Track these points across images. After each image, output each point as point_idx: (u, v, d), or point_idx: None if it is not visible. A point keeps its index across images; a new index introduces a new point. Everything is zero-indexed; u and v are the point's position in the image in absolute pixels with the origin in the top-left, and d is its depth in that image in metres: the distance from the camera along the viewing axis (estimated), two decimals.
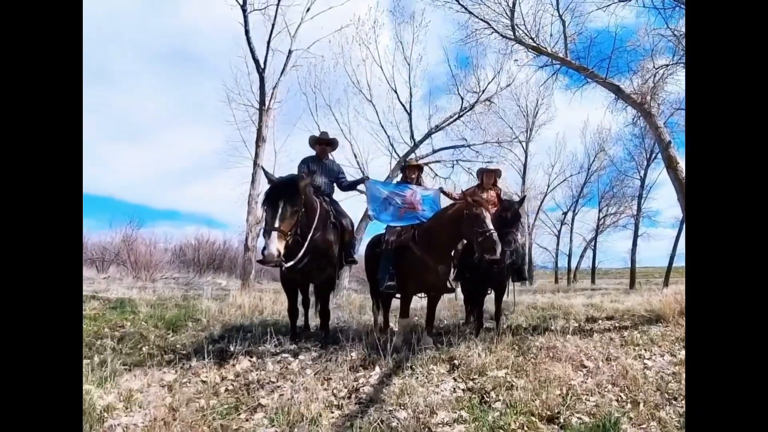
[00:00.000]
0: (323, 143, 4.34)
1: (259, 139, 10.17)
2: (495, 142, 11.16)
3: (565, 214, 20.36)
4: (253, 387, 2.70)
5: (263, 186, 10.46)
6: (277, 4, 8.99)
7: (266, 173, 3.42)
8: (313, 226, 3.54)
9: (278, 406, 2.36)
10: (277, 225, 3.00)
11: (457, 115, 10.80)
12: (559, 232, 20.57)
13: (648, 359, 3.34)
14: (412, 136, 11.42)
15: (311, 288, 4.36)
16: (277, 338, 3.82)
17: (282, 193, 3.13)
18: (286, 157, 12.12)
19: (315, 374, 2.90)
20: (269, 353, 3.46)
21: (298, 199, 3.20)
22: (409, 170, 4.71)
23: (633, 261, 18.69)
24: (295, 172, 3.92)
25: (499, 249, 3.23)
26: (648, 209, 19.25)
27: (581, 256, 21.38)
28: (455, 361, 3.09)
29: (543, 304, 7.20)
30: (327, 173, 4.33)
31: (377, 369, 2.96)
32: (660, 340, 3.86)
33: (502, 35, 6.97)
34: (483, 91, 10.41)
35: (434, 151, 11.65)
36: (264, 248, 2.96)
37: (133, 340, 3.92)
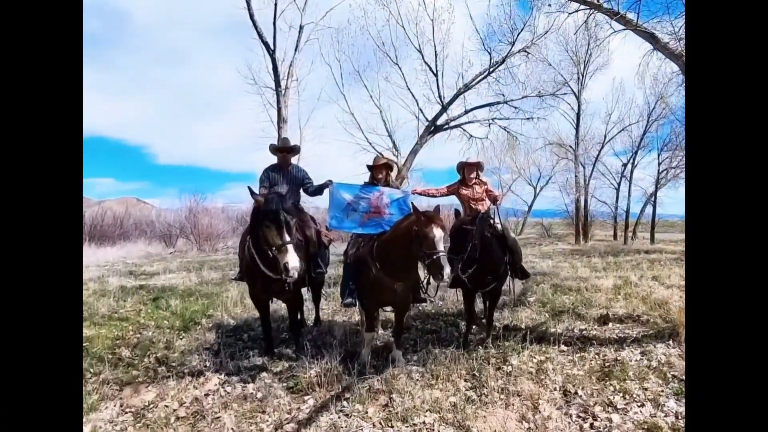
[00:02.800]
0: (284, 151, 4.31)
1: (280, 120, 10.35)
2: (535, 95, 10.08)
3: (624, 165, 18.13)
4: (197, 418, 3.00)
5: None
6: None
7: (252, 192, 3.45)
8: None
9: None
10: (288, 239, 3.13)
11: (487, 72, 9.86)
12: (619, 184, 18.50)
13: (617, 411, 2.85)
14: (440, 98, 10.78)
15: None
16: (255, 349, 4.18)
17: (279, 209, 3.20)
18: (312, 132, 12.28)
19: (252, 404, 3.13)
20: (242, 369, 3.78)
21: (293, 210, 3.39)
22: (376, 170, 4.30)
23: None
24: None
25: (445, 273, 3.01)
26: None
27: (641, 212, 19.17)
28: (392, 396, 3.09)
29: (569, 286, 6.77)
30: (291, 182, 4.34)
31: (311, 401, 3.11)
32: (655, 375, 3.29)
33: None
34: (513, 42, 9.27)
35: (467, 111, 10.95)
36: (285, 264, 3.04)
37: (143, 347, 4.51)
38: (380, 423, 2.74)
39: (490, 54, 9.63)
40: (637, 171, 18.14)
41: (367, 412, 2.87)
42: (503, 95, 10.27)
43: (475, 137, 11.38)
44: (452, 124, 11.12)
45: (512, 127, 10.52)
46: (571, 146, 16.68)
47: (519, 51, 9.33)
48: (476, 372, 3.39)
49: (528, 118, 10.25)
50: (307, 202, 5.64)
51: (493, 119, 10.50)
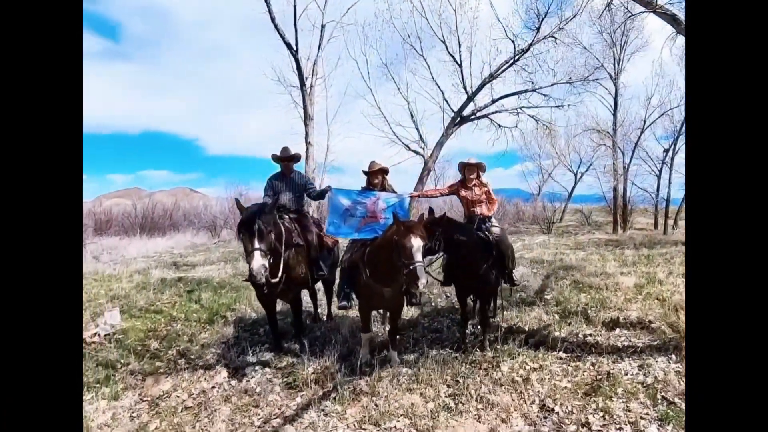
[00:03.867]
0: (285, 160, 4.53)
1: (306, 117, 10.64)
2: (566, 81, 9.59)
3: (666, 151, 16.72)
4: (201, 408, 3.34)
5: (316, 163, 11.17)
6: None
7: (238, 204, 3.69)
8: (283, 247, 3.90)
9: None
10: (257, 246, 3.34)
11: (512, 60, 9.51)
12: (660, 171, 17.11)
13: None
14: (464, 88, 10.57)
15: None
16: (267, 344, 4.52)
17: (254, 218, 3.42)
18: (340, 127, 12.49)
19: (250, 398, 3.43)
20: (247, 364, 4.11)
21: (270, 219, 3.54)
22: (372, 175, 4.36)
23: None
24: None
25: (421, 283, 3.07)
26: None
27: (683, 200, 17.61)
28: (374, 398, 3.25)
29: (591, 283, 6.55)
30: (293, 188, 4.57)
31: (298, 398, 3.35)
32: (645, 394, 3.12)
33: None
34: (538, 28, 8.86)
35: (494, 101, 10.66)
36: (250, 268, 3.31)
37: (169, 339, 4.99)
38: (354, 425, 2.91)
39: (513, 42, 9.28)
40: (678, 157, 16.78)
41: (345, 413, 3.05)
42: (532, 82, 9.87)
43: (503, 127, 11.08)
44: (479, 114, 10.89)
45: (542, 116, 10.12)
46: (608, 132, 15.70)
47: (545, 37, 8.90)
48: (459, 378, 3.46)
49: (558, 106, 9.81)
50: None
51: (521, 108, 10.16)
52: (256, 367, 4.03)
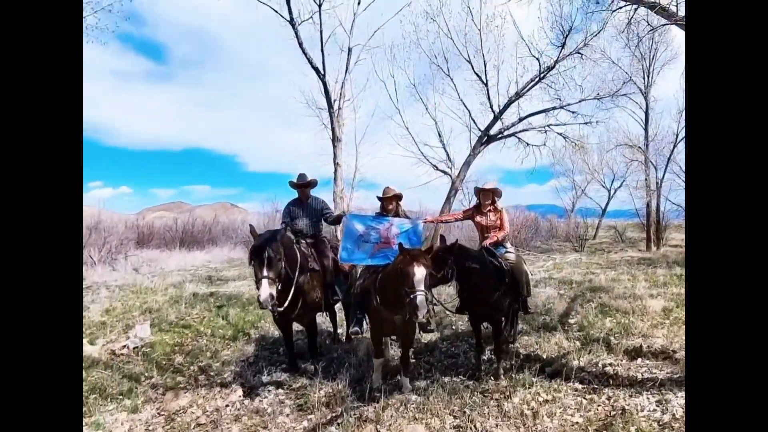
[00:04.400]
0: (301, 186, 4.65)
1: (335, 139, 10.88)
2: (594, 97, 9.33)
3: None
4: (213, 426, 3.43)
5: (344, 183, 11.36)
6: (319, 9, 9.15)
7: (252, 230, 3.85)
8: (296, 272, 3.99)
9: None
10: (265, 274, 3.44)
11: (538, 78, 9.38)
12: None
13: None
14: (491, 107, 10.50)
15: None
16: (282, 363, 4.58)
17: (264, 246, 3.52)
18: (368, 147, 12.69)
19: (260, 419, 3.49)
20: (262, 383, 4.18)
21: (279, 248, 3.63)
22: (386, 201, 4.39)
23: None
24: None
25: (420, 313, 3.07)
26: None
27: None
28: (378, 427, 3.21)
29: (618, 306, 6.22)
30: (310, 214, 4.67)
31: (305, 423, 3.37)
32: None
33: None
34: (562, 45, 8.70)
35: (521, 119, 10.51)
36: (258, 296, 3.42)
37: (193, 354, 5.16)
38: None
39: (538, 60, 9.14)
40: None
41: None
42: (560, 99, 9.66)
43: (531, 145, 10.87)
44: (506, 132, 10.76)
45: (570, 133, 9.85)
46: (640, 147, 15.02)
47: (571, 53, 8.72)
48: (467, 408, 3.37)
49: (586, 123, 9.51)
50: None
51: (549, 125, 9.94)
52: (270, 388, 4.09)
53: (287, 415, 3.59)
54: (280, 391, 4.03)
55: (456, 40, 10.32)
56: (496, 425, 3.16)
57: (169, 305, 7.42)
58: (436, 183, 12.54)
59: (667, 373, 3.76)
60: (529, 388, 3.72)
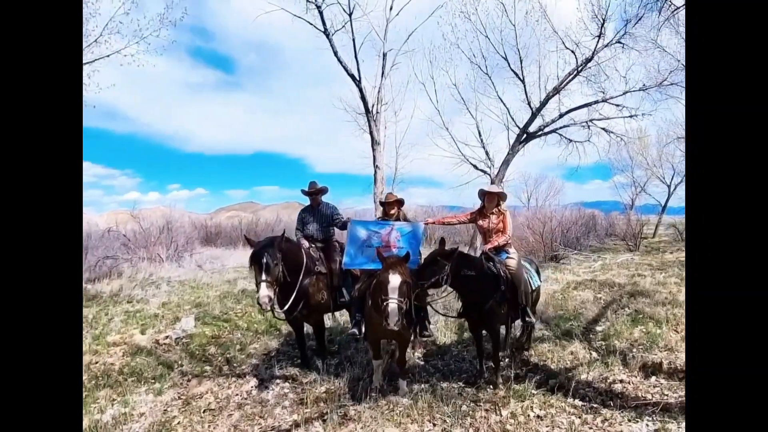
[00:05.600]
0: (313, 193, 4.81)
1: (373, 143, 11.05)
2: (639, 89, 8.44)
3: None
4: (219, 412, 3.72)
5: (384, 186, 11.49)
6: (350, 18, 9.30)
7: (248, 239, 4.11)
8: (301, 274, 4.19)
9: None
10: (264, 278, 3.67)
11: (575, 71, 8.71)
12: None
13: None
14: (528, 104, 9.97)
15: None
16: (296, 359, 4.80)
17: (263, 252, 3.75)
18: (407, 149, 12.62)
19: (262, 409, 3.72)
20: (273, 377, 4.43)
21: (276, 253, 3.84)
22: (388, 206, 4.45)
23: None
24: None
25: (392, 321, 3.06)
26: None
27: None
28: (359, 427, 3.26)
29: (653, 314, 5.65)
30: (320, 219, 4.82)
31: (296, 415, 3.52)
32: None
33: None
34: (599, 35, 7.98)
35: (561, 115, 9.87)
36: (257, 297, 3.67)
37: (225, 346, 5.57)
38: None
39: (573, 52, 8.46)
40: None
41: None
42: (603, 92, 8.89)
43: (574, 141, 10.17)
44: (547, 129, 10.17)
45: (616, 128, 9.01)
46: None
47: (610, 43, 7.96)
48: (447, 418, 3.29)
49: (631, 116, 8.62)
50: None
51: (591, 120, 9.19)
52: (278, 381, 4.33)
53: (285, 407, 3.78)
54: (286, 384, 4.24)
55: (492, 37, 9.93)
56: None
57: (218, 300, 8.04)
58: (477, 182, 12.21)
59: (678, 397, 3.35)
60: (524, 400, 3.54)
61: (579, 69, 8.59)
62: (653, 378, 3.74)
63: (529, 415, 3.32)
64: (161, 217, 13.30)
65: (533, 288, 4.33)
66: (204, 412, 3.75)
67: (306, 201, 5.00)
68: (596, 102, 8.96)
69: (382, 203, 4.49)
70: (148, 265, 10.61)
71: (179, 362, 4.93)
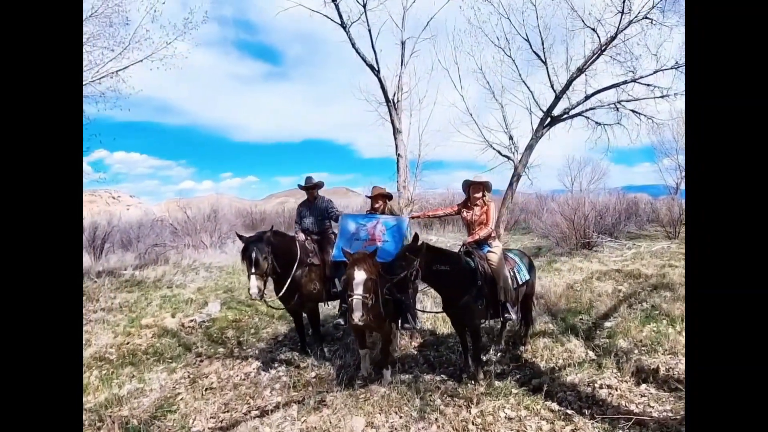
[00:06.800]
0: (309, 188, 4.89)
1: (395, 131, 10.94)
2: (672, 67, 7.52)
3: None
4: (216, 390, 3.99)
5: (407, 174, 11.37)
6: (365, 9, 9.10)
7: (239, 235, 4.26)
8: (294, 266, 4.35)
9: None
10: (253, 271, 3.90)
11: (599, 50, 7.94)
12: None
13: None
14: (551, 86, 9.29)
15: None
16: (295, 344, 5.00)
17: (252, 246, 3.94)
18: (430, 137, 12.23)
19: (253, 390, 3.94)
20: (275, 360, 4.66)
21: (265, 247, 4.02)
22: (374, 200, 4.44)
23: None
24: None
25: (355, 317, 3.09)
26: None
27: None
28: (329, 414, 3.34)
29: (669, 311, 5.19)
30: (315, 213, 4.93)
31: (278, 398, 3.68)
32: None
33: None
34: (622, 11, 7.16)
35: (587, 97, 9.12)
36: (248, 288, 3.92)
37: (240, 330, 5.89)
38: None
39: (595, 30, 7.68)
40: None
41: (306, 420, 3.26)
42: (633, 72, 8.05)
43: (603, 124, 9.39)
44: (572, 112, 9.47)
45: (646, 109, 8.15)
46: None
47: (635, 20, 7.11)
48: (415, 411, 3.29)
49: (663, 96, 7.72)
50: None
51: (619, 101, 8.39)
52: (276, 364, 4.55)
53: (275, 389, 3.97)
54: (282, 368, 4.44)
55: (513, 19, 9.31)
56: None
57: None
58: (502, 168, 11.68)
59: (663, 411, 3.06)
60: (497, 399, 3.43)
61: (603, 48, 7.78)
62: (643, 386, 3.45)
63: (498, 416, 3.22)
64: (208, 204, 14.10)
65: (520, 283, 4.13)
66: (206, 390, 4.05)
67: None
68: (624, 83, 8.13)
69: (368, 197, 4.49)
70: (193, 252, 11.38)
71: (198, 344, 5.31)
